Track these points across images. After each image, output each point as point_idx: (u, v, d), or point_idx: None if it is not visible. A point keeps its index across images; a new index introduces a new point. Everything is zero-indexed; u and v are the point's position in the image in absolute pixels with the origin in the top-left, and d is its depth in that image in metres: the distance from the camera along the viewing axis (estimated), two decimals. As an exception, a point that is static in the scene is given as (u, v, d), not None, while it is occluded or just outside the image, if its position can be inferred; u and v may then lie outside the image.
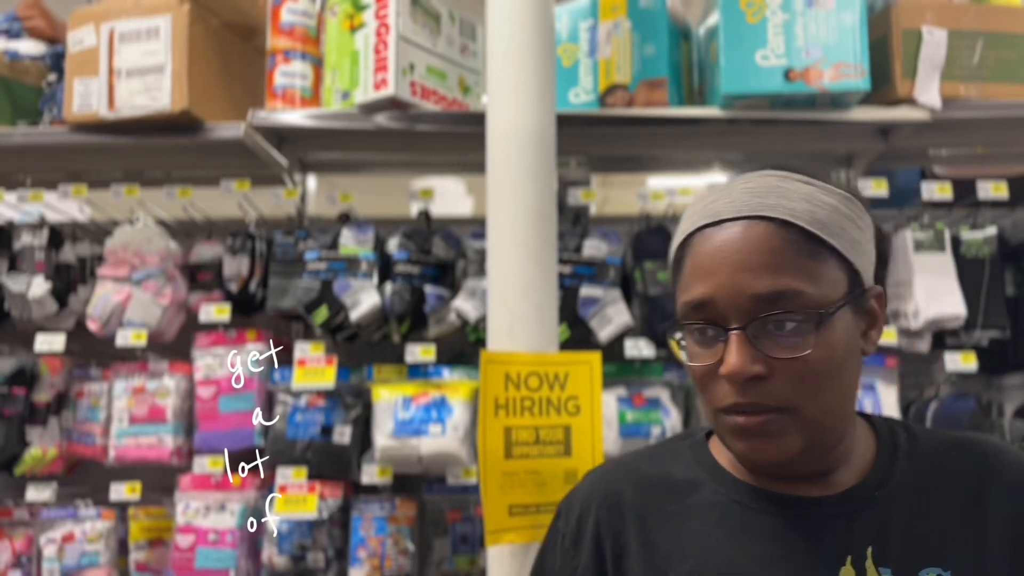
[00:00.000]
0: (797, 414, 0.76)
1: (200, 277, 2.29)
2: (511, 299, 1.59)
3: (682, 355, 0.82)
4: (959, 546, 0.79)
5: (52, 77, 2.37)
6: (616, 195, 2.62)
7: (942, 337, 2.16)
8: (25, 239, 2.28)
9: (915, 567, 0.78)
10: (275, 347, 2.26)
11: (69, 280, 2.30)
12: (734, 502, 0.83)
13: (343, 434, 2.12)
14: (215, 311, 2.18)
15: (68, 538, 2.16)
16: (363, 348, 2.34)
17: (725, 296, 0.75)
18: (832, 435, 0.80)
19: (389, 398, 2.10)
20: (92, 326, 2.20)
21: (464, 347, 2.27)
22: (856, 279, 0.79)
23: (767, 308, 0.74)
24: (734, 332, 0.75)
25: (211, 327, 2.23)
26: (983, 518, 0.80)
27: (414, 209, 2.33)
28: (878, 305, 0.82)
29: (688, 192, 2.17)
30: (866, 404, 2.08)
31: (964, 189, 2.12)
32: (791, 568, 0.78)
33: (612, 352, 2.07)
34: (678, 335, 0.81)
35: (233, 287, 2.23)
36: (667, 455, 0.92)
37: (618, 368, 2.17)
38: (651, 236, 2.19)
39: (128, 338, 2.17)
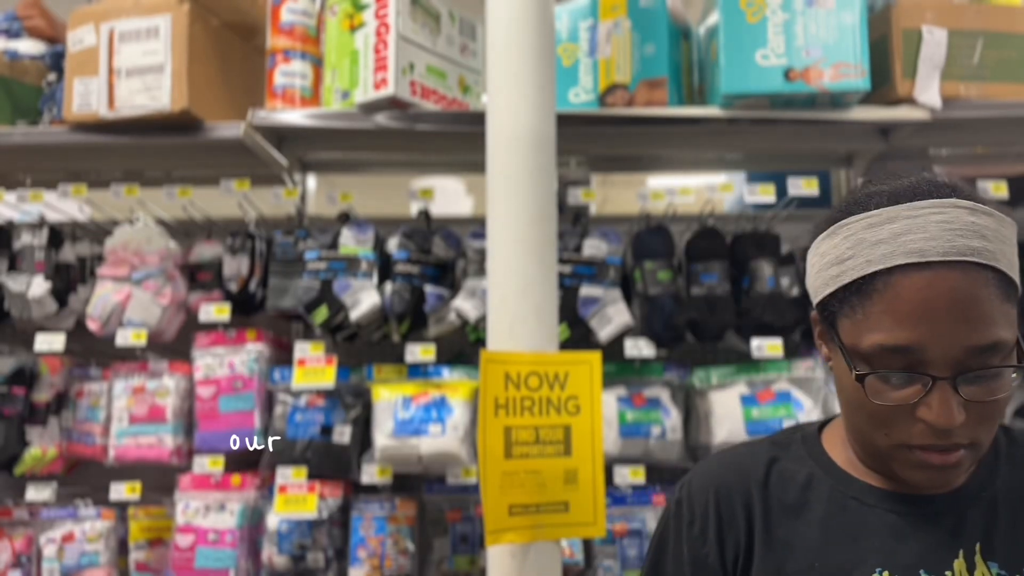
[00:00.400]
0: (979, 447, 0.79)
1: (200, 277, 2.29)
2: (511, 299, 1.59)
3: (856, 386, 0.80)
4: None
5: (52, 77, 2.37)
6: (616, 195, 2.62)
7: (942, 337, 2.15)
8: (25, 239, 2.28)
9: (1021, 563, 0.82)
10: (275, 347, 2.26)
11: (69, 280, 2.29)
12: (851, 498, 0.87)
13: (343, 434, 2.12)
14: (215, 311, 2.18)
15: (68, 538, 2.16)
16: (363, 348, 2.34)
17: (938, 346, 0.75)
18: None
19: (389, 398, 2.10)
20: (92, 326, 2.20)
21: (464, 347, 2.27)
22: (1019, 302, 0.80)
23: (979, 358, 0.75)
24: (943, 382, 0.75)
25: (211, 327, 2.23)
26: None
27: (414, 209, 2.33)
28: None
29: (688, 192, 2.17)
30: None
31: (964, 189, 2.12)
32: (906, 562, 0.82)
33: (612, 352, 2.07)
34: (870, 377, 0.79)
35: (233, 287, 2.23)
36: (781, 448, 0.95)
37: (618, 368, 2.17)
38: (651, 236, 2.19)
39: (128, 338, 2.17)
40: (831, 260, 0.82)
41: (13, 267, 2.27)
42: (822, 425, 0.97)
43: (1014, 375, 0.77)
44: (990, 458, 0.88)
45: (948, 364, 0.75)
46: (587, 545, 2.11)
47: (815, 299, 0.87)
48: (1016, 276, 0.78)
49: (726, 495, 0.92)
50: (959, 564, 0.81)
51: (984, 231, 0.76)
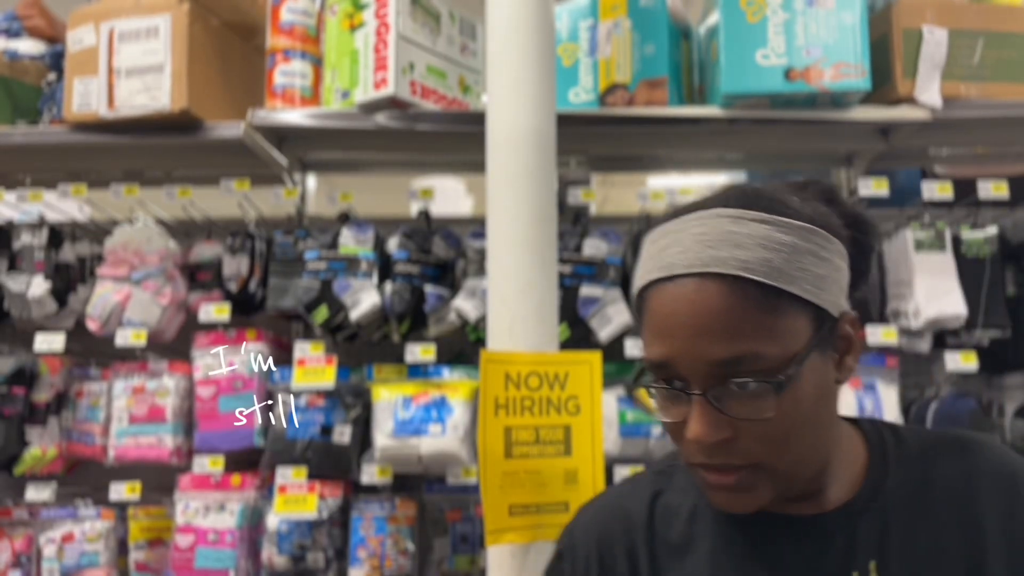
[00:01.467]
0: (767, 469, 0.74)
1: (200, 277, 2.29)
2: (511, 298, 1.59)
3: (652, 404, 0.80)
4: (957, 551, 0.78)
5: (52, 76, 2.36)
6: (616, 195, 2.62)
7: (943, 337, 2.15)
8: (25, 239, 2.28)
9: (919, 574, 0.77)
10: (275, 347, 2.26)
11: (69, 280, 2.29)
12: (735, 528, 0.82)
13: (343, 434, 2.11)
14: (215, 311, 2.18)
15: (68, 538, 2.16)
16: (363, 348, 2.34)
17: (684, 361, 0.72)
18: (808, 474, 0.78)
19: (389, 398, 2.10)
20: (92, 326, 2.20)
21: (464, 347, 2.27)
22: (823, 316, 0.74)
23: (727, 372, 0.71)
24: (696, 397, 0.72)
25: (211, 327, 2.23)
26: (978, 520, 0.79)
27: (414, 209, 2.33)
28: (853, 329, 0.78)
29: (688, 192, 2.17)
30: (867, 404, 2.08)
31: (965, 189, 2.12)
32: None
33: (612, 352, 2.07)
34: (650, 391, 0.78)
35: (233, 287, 2.23)
36: (664, 480, 0.90)
37: (618, 368, 2.17)
38: (651, 236, 2.19)
39: (128, 338, 2.17)
40: (639, 265, 0.81)
41: (13, 267, 2.27)
42: None
43: (778, 395, 0.71)
44: (876, 466, 0.83)
45: (698, 379, 0.72)
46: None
47: None
48: (804, 285, 0.72)
49: (608, 544, 0.86)
50: None
51: (743, 240, 0.71)
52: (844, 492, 0.81)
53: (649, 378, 0.77)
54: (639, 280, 0.78)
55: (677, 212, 0.78)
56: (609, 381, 2.12)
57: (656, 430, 2.08)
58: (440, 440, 2.03)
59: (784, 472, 0.74)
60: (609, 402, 2.09)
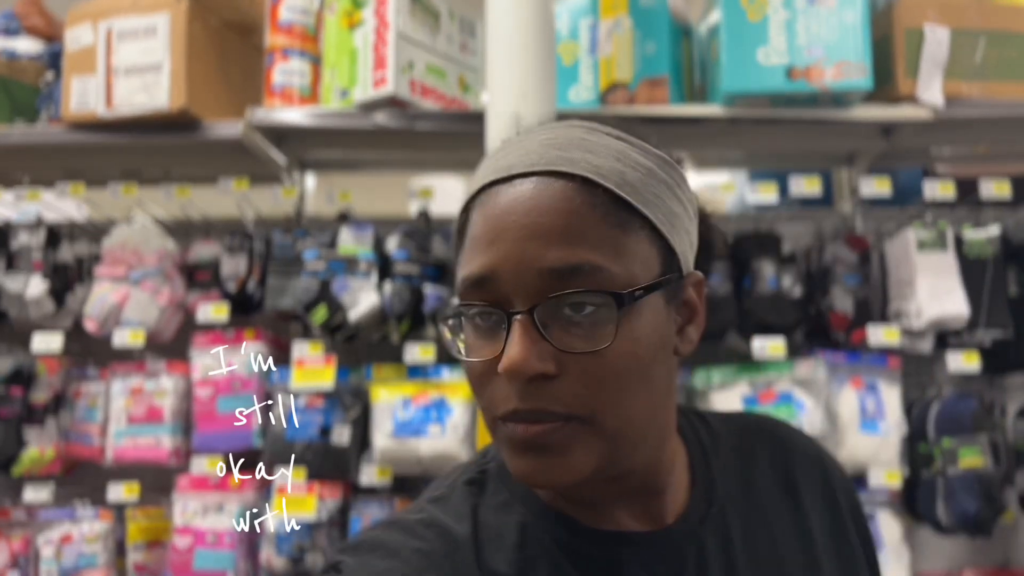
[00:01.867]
0: (591, 424, 0.60)
1: (198, 276, 2.28)
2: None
3: (457, 346, 0.64)
4: (792, 540, 0.72)
5: (49, 76, 2.36)
6: (616, 194, 2.60)
7: (944, 337, 2.14)
8: (22, 238, 2.27)
9: None
10: (274, 347, 2.25)
11: (66, 279, 2.28)
12: (575, 552, 0.66)
13: (342, 435, 2.10)
14: (213, 311, 2.17)
15: (66, 539, 2.15)
16: (362, 348, 2.33)
17: (509, 270, 0.59)
18: (636, 451, 0.63)
19: (388, 398, 2.09)
20: (90, 326, 2.19)
21: (464, 347, 2.26)
22: (672, 260, 0.64)
23: (560, 286, 0.58)
24: (518, 317, 0.58)
25: (209, 327, 2.22)
26: (800, 507, 0.74)
27: (413, 208, 2.32)
28: (697, 296, 0.68)
29: (689, 191, 2.15)
30: (868, 405, 2.07)
31: (967, 188, 2.11)
32: None
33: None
34: (451, 321, 0.64)
35: (231, 286, 2.22)
36: (478, 492, 0.71)
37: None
38: (652, 235, 2.18)
39: (126, 338, 2.16)
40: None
41: (11, 267, 2.26)
42: None
43: (608, 321, 0.58)
44: (699, 462, 0.73)
45: (524, 294, 0.58)
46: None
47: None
48: (656, 208, 0.63)
49: None
50: None
51: (594, 147, 0.62)
52: (680, 499, 0.70)
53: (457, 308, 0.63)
54: (465, 196, 0.65)
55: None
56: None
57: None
58: (440, 441, 2.03)
59: (610, 433, 0.60)
60: (609, 403, 2.08)
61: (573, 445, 0.59)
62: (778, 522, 0.72)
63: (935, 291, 2.06)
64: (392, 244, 2.18)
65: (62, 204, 2.35)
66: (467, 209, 0.65)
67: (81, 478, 2.34)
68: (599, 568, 0.66)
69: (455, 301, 0.63)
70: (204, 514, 2.11)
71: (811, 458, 0.77)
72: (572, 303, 0.58)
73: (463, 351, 0.63)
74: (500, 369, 0.58)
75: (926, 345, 2.12)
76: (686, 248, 0.66)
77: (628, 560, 0.66)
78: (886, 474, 2.03)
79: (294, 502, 2.04)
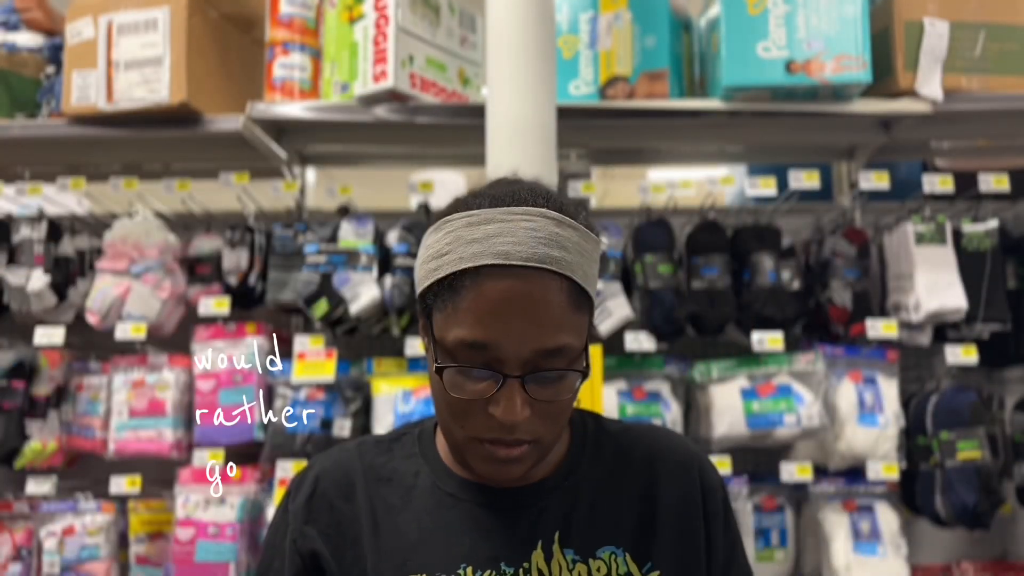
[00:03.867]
0: (541, 444, 0.84)
1: (199, 270, 2.29)
2: (511, 292, 1.58)
3: (437, 379, 0.83)
4: (634, 525, 0.90)
5: (50, 69, 2.35)
6: (617, 188, 2.61)
7: (943, 330, 2.15)
8: (24, 232, 2.27)
9: (594, 546, 0.88)
10: (275, 341, 2.26)
11: (68, 273, 2.29)
12: (447, 494, 0.91)
13: (343, 427, 2.11)
14: (214, 304, 2.17)
15: (68, 531, 2.16)
16: (363, 341, 2.34)
17: (511, 345, 0.78)
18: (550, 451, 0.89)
19: (389, 391, 2.10)
20: (91, 319, 2.20)
21: (464, 340, 2.27)
22: (592, 314, 0.87)
23: (546, 360, 0.80)
24: (513, 380, 0.79)
25: (210, 320, 2.23)
26: (655, 498, 0.92)
27: (414, 202, 2.32)
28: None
29: (689, 185, 2.16)
30: (867, 398, 2.08)
31: (966, 182, 2.11)
32: (488, 555, 0.86)
33: (613, 345, 2.07)
34: (439, 363, 0.82)
35: (232, 280, 2.23)
36: (397, 446, 0.97)
37: (618, 361, 2.16)
38: (652, 229, 2.19)
39: (127, 331, 2.16)
40: (432, 254, 0.84)
41: (12, 261, 2.27)
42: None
43: (577, 381, 0.83)
44: (575, 449, 0.95)
45: (518, 363, 0.79)
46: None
47: (418, 291, 0.88)
48: (592, 289, 0.85)
49: (338, 490, 0.94)
50: (537, 555, 0.87)
51: (566, 243, 0.81)
52: (544, 470, 0.92)
53: (448, 357, 0.82)
54: (454, 259, 0.81)
55: (489, 200, 0.83)
56: (609, 374, 2.12)
57: (656, 424, 2.08)
58: (440, 433, 2.03)
59: (547, 446, 0.86)
60: (609, 396, 2.08)
61: (527, 458, 0.84)
62: (627, 500, 0.92)
63: (934, 284, 2.07)
64: (392, 238, 2.18)
65: (63, 198, 2.36)
66: (461, 275, 0.80)
67: (83, 471, 2.35)
68: (459, 506, 0.90)
69: (434, 349, 0.83)
70: (206, 506, 2.12)
71: (680, 459, 0.96)
72: (553, 372, 0.81)
73: (449, 387, 0.82)
74: (500, 416, 0.79)
75: (924, 338, 2.13)
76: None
77: (483, 503, 0.89)
78: (884, 467, 2.04)
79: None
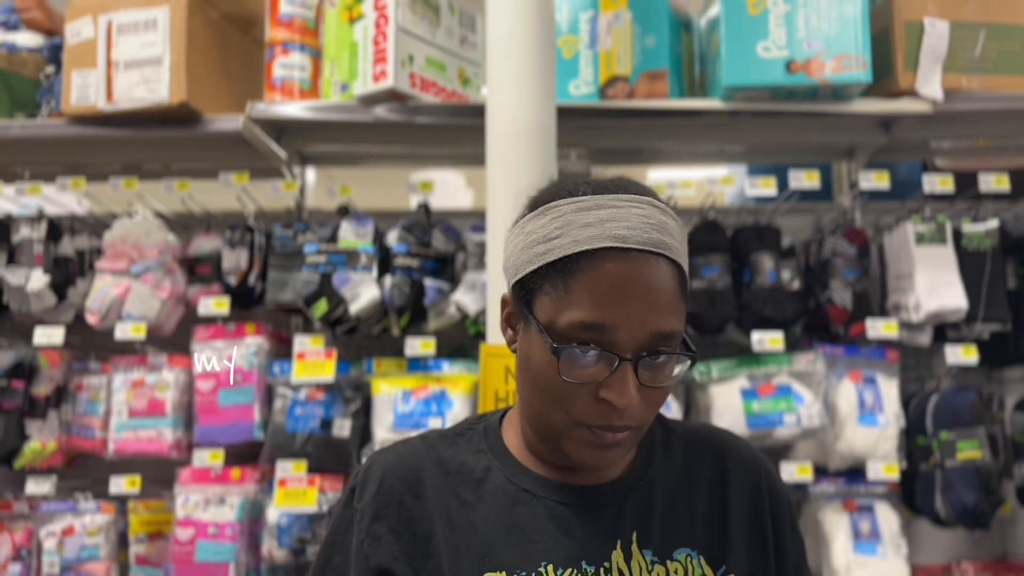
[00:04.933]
0: (641, 430, 0.85)
1: (199, 270, 2.29)
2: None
3: (541, 363, 0.81)
4: (707, 527, 0.89)
5: (50, 69, 2.36)
6: (616, 188, 2.61)
7: (943, 330, 2.15)
8: (23, 232, 2.27)
9: (671, 547, 0.87)
10: (275, 340, 2.26)
11: (68, 273, 2.29)
12: (522, 490, 0.89)
13: (343, 427, 2.11)
14: (214, 304, 2.17)
15: (68, 531, 2.16)
16: (363, 341, 2.34)
17: (629, 328, 0.78)
18: None
19: (389, 391, 2.09)
20: (91, 319, 2.20)
21: (464, 340, 2.27)
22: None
23: (659, 344, 0.79)
24: (627, 363, 0.78)
25: (210, 320, 2.22)
26: (726, 500, 0.92)
27: (414, 202, 2.32)
28: None
29: (689, 184, 2.16)
30: (867, 398, 2.08)
31: (966, 182, 2.11)
32: (570, 554, 0.85)
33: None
34: (555, 345, 0.80)
35: (232, 280, 2.22)
36: (463, 440, 0.95)
37: (618, 361, 2.16)
38: (651, 229, 2.18)
39: (127, 331, 2.16)
40: (539, 238, 0.83)
41: (12, 260, 2.27)
42: (503, 415, 0.99)
43: (678, 367, 0.83)
44: (646, 449, 0.94)
45: (634, 346, 0.79)
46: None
47: (514, 277, 0.86)
48: (688, 277, 0.86)
49: (408, 486, 0.91)
50: (617, 555, 0.85)
51: (671, 231, 0.82)
52: (619, 468, 0.91)
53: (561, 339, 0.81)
54: (568, 242, 0.81)
55: (592, 187, 0.84)
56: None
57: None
58: (440, 433, 2.03)
59: (642, 434, 0.86)
60: (609, 395, 2.08)
61: (627, 444, 0.83)
62: (701, 503, 0.91)
63: (934, 284, 2.07)
64: (392, 237, 2.18)
65: (63, 198, 2.36)
66: (576, 258, 0.80)
67: (83, 471, 2.35)
68: (536, 502, 0.88)
69: (544, 328, 0.81)
70: (205, 506, 2.12)
71: (747, 465, 0.96)
72: (663, 356, 0.80)
73: (561, 370, 0.80)
74: (616, 402, 0.79)
75: (924, 338, 2.13)
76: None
77: (561, 500, 0.88)
78: (884, 467, 2.04)
79: (295, 494, 2.05)
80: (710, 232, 2.18)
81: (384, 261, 2.17)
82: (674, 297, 0.80)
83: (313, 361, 2.10)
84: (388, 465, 0.92)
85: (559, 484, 0.89)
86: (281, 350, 2.25)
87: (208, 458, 2.13)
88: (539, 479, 0.89)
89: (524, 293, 0.85)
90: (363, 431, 2.16)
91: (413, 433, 2.16)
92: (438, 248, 2.20)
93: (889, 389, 2.10)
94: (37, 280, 2.20)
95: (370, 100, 2.06)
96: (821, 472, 2.12)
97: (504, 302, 0.91)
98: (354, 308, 2.10)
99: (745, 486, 0.93)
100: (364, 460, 0.98)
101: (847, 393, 2.08)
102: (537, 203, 0.86)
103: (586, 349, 0.79)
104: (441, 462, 0.92)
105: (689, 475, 0.93)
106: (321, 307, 2.10)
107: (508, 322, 0.90)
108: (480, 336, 2.03)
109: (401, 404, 2.07)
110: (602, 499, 0.88)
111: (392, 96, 2.04)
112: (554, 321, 0.80)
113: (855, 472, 2.11)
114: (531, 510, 0.87)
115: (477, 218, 2.11)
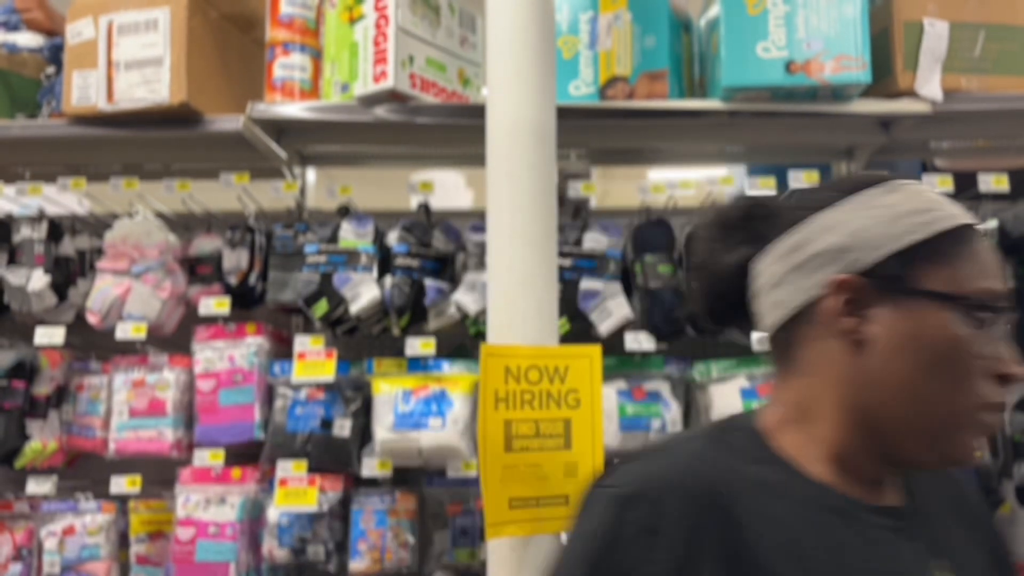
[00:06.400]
0: None
1: (199, 270, 2.29)
2: (511, 292, 1.58)
3: (949, 334, 0.76)
4: (981, 550, 0.86)
5: (51, 69, 2.36)
6: (616, 188, 2.62)
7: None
8: (24, 232, 2.27)
9: (973, 572, 0.83)
10: (275, 340, 2.26)
11: (68, 273, 2.29)
12: (828, 511, 0.79)
13: (343, 427, 2.12)
14: (215, 304, 2.18)
15: (69, 531, 2.17)
16: (363, 341, 2.34)
17: (1007, 300, 0.79)
18: None
19: (389, 391, 2.10)
20: (92, 319, 2.20)
21: (464, 340, 2.27)
22: None
23: None
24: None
25: (211, 320, 2.23)
26: (967, 521, 0.88)
27: (414, 202, 2.32)
28: None
29: (689, 185, 2.16)
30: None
31: (965, 182, 2.11)
32: None
33: (612, 345, 2.07)
34: (966, 314, 0.76)
35: (233, 280, 2.23)
36: (734, 449, 0.83)
37: (618, 361, 2.17)
38: (652, 229, 2.19)
39: (128, 331, 2.17)
40: (911, 209, 0.79)
41: (13, 260, 2.27)
42: (753, 422, 0.88)
43: None
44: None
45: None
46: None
47: (878, 253, 0.78)
48: None
49: (697, 502, 0.77)
50: None
51: None
52: (892, 487, 0.84)
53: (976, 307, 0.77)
54: (946, 215, 0.79)
55: (876, 178, 0.84)
56: (609, 374, 2.12)
57: (655, 424, 2.08)
58: (440, 434, 2.04)
59: None
60: (609, 396, 2.09)
61: None
62: (965, 522, 0.87)
63: (933, 284, 2.07)
64: (393, 238, 2.19)
65: (63, 198, 2.36)
66: (959, 231, 0.78)
67: (84, 471, 2.35)
68: (846, 522, 0.78)
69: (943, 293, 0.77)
70: (206, 506, 2.12)
71: (966, 476, 0.94)
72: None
73: (971, 343, 0.75)
74: (1020, 373, 0.76)
75: (924, 338, 2.12)
76: None
77: (864, 524, 0.79)
78: (884, 466, 2.03)
79: (295, 494, 2.05)
80: (710, 232, 2.18)
81: (384, 261, 2.17)
82: None
83: (313, 361, 2.11)
84: (668, 480, 0.78)
85: (866, 504, 0.80)
86: (281, 350, 2.26)
87: (209, 458, 2.13)
88: (844, 498, 0.80)
89: (901, 266, 0.77)
90: (363, 431, 2.16)
91: (413, 433, 2.17)
92: (438, 248, 2.20)
93: (889, 389, 2.10)
94: (38, 280, 2.20)
95: (370, 100, 2.06)
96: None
97: (841, 286, 0.78)
98: (354, 308, 2.10)
99: (977, 500, 0.92)
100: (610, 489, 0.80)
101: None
102: (875, 180, 0.83)
103: (1000, 319, 0.76)
104: (729, 475, 0.79)
105: (934, 494, 0.88)
106: (321, 307, 2.11)
107: (850, 308, 0.78)
108: (480, 336, 2.03)
109: (401, 404, 2.07)
110: (909, 519, 0.82)
111: (392, 96, 2.04)
112: (961, 291, 0.76)
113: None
114: (842, 533, 0.78)
115: (477, 218, 2.11)
